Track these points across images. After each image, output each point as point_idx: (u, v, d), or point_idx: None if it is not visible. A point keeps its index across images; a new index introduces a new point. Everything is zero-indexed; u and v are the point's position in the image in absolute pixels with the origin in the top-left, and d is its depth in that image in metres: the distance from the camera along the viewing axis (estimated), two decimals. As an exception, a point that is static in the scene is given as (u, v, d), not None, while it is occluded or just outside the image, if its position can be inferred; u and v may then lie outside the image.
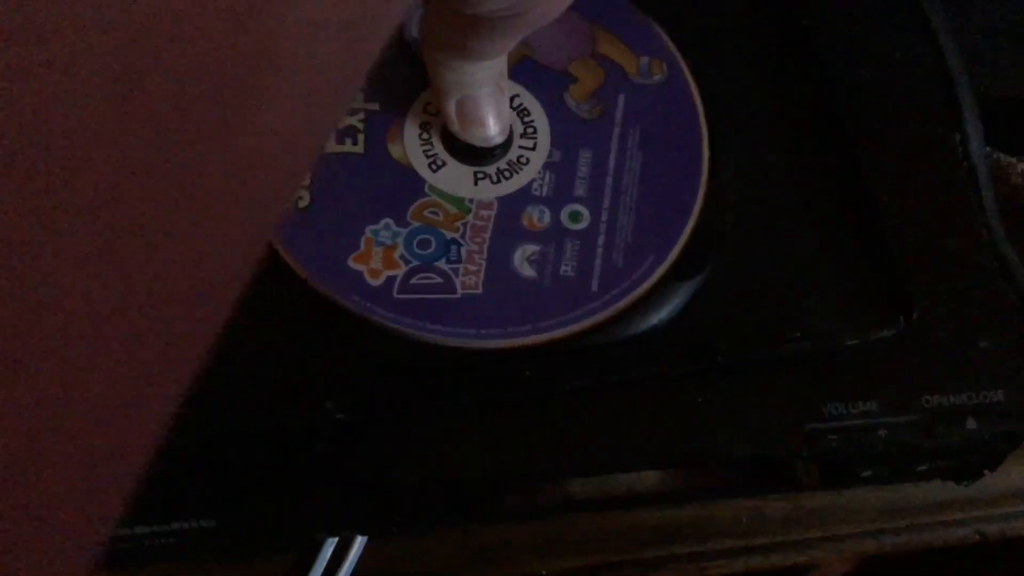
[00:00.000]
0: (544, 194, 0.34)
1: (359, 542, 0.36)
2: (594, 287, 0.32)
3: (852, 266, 0.34)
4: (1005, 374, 0.33)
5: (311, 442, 0.31)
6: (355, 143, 0.33)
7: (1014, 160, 0.42)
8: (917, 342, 0.33)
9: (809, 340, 0.33)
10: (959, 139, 0.39)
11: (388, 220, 0.33)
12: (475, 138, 0.33)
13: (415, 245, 0.33)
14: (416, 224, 0.33)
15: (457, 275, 0.32)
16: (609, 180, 0.34)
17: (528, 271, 0.33)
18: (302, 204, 0.33)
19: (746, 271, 0.34)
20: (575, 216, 0.33)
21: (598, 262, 0.33)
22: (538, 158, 0.34)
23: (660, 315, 0.33)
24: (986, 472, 0.36)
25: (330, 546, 0.35)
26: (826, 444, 0.32)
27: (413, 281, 0.32)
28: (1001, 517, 0.40)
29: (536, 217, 0.33)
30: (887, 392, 0.32)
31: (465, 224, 0.33)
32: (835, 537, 0.39)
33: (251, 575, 0.36)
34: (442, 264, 0.32)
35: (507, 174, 0.34)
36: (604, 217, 0.33)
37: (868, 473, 0.34)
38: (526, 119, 0.34)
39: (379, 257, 0.32)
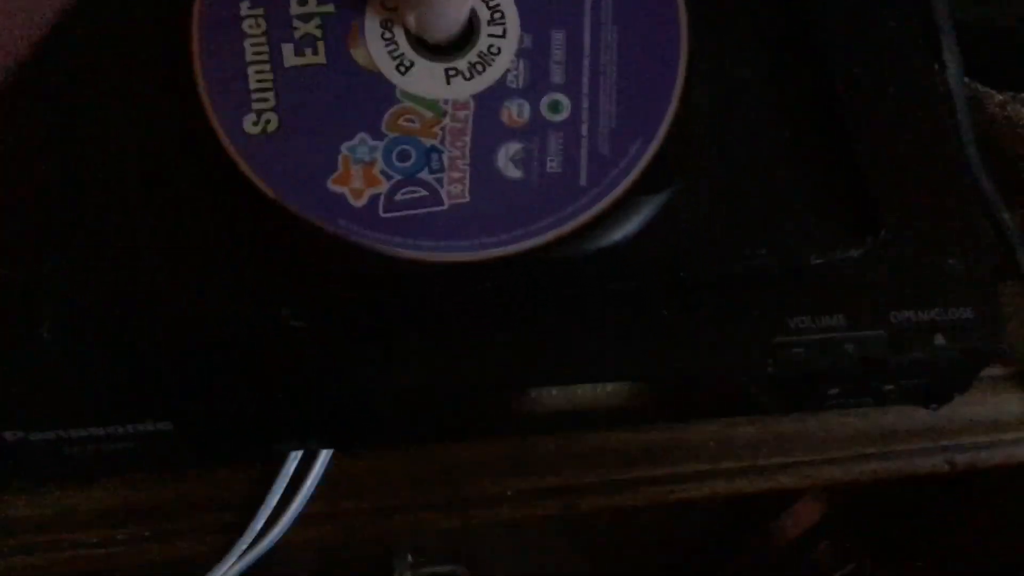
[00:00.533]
0: (520, 86, 0.33)
1: (323, 457, 0.35)
2: (583, 181, 0.32)
3: (822, 185, 0.34)
4: (973, 292, 0.33)
5: (272, 350, 0.30)
6: (315, 52, 0.33)
7: (992, 91, 0.42)
8: (886, 259, 0.33)
9: (775, 256, 0.32)
10: (937, 66, 0.38)
11: (363, 135, 0.32)
12: (433, 28, 0.32)
13: (394, 158, 0.32)
14: (392, 135, 0.32)
15: (442, 185, 0.32)
16: (586, 62, 0.33)
17: (514, 172, 0.32)
18: (271, 128, 0.32)
19: (714, 188, 0.33)
20: (555, 106, 0.33)
21: (584, 153, 0.32)
22: (509, 46, 0.33)
23: (626, 231, 0.32)
24: (955, 396, 0.36)
25: (294, 460, 0.35)
26: (792, 357, 0.31)
27: (398, 198, 0.32)
28: (971, 447, 0.40)
29: (515, 112, 0.33)
30: (854, 307, 0.32)
31: (443, 128, 0.32)
32: (801, 463, 0.39)
33: (214, 488, 0.35)
34: (425, 175, 0.32)
35: (479, 68, 0.33)
36: (585, 104, 0.33)
37: (835, 391, 0.34)
38: (491, 3, 0.34)
39: (359, 175, 0.32)
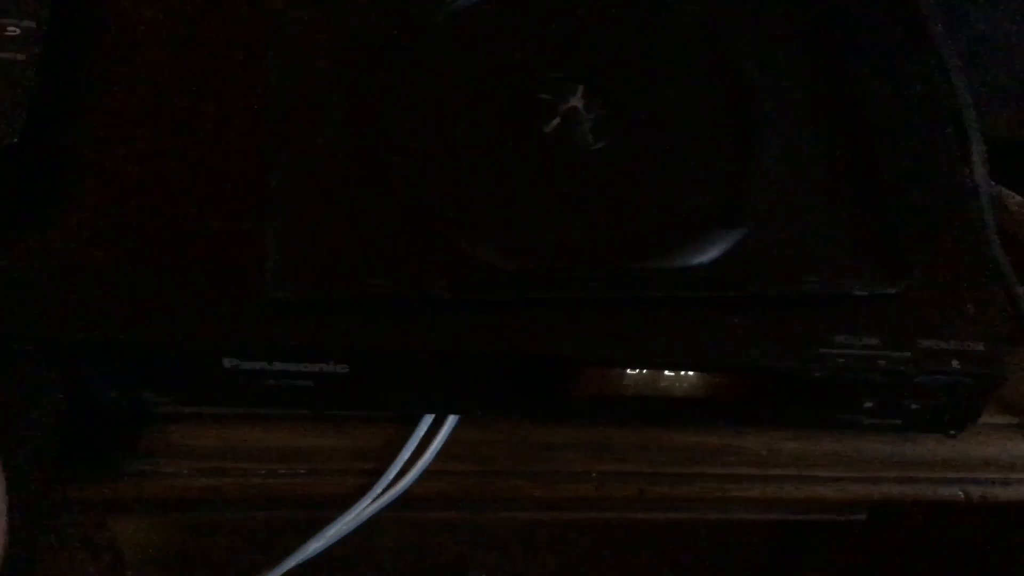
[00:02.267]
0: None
1: (448, 423, 0.44)
2: None
3: (870, 236, 0.42)
4: (985, 331, 0.41)
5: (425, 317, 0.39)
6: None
7: (1012, 193, 0.51)
8: (916, 298, 0.41)
9: (827, 285, 0.41)
10: (967, 168, 0.47)
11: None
12: None
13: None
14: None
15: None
16: None
17: None
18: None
19: (781, 229, 0.42)
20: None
21: None
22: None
23: (710, 255, 0.41)
24: (968, 423, 0.43)
25: (425, 424, 0.44)
26: (834, 363, 0.40)
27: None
28: (985, 481, 0.47)
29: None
30: (888, 332, 0.40)
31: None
32: (840, 478, 0.46)
33: (359, 440, 0.44)
34: None
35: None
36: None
37: (869, 404, 0.42)
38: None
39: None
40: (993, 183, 0.50)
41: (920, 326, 0.41)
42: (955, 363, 0.40)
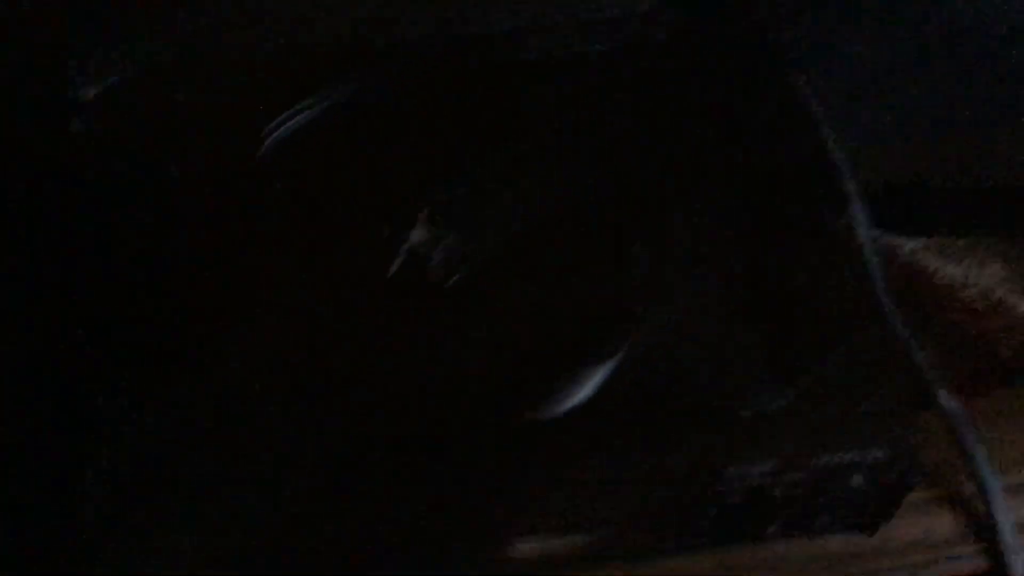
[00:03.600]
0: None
1: None
2: None
3: (748, 341, 0.39)
4: (885, 434, 0.38)
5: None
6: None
7: (901, 240, 0.48)
8: (808, 408, 0.38)
9: (712, 409, 0.38)
10: (846, 225, 0.44)
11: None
12: None
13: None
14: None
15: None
16: None
17: None
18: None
19: (655, 351, 0.39)
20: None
21: None
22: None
23: (583, 395, 0.38)
24: (882, 523, 0.41)
25: None
26: (730, 501, 0.36)
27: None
28: (909, 567, 0.44)
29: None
30: (782, 450, 0.37)
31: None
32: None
33: None
34: None
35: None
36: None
37: (773, 528, 0.39)
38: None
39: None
40: (881, 232, 0.47)
41: (813, 439, 0.38)
42: (856, 480, 0.37)
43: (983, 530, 0.43)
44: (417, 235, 0.40)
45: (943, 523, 0.44)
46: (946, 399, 0.43)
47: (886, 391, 0.39)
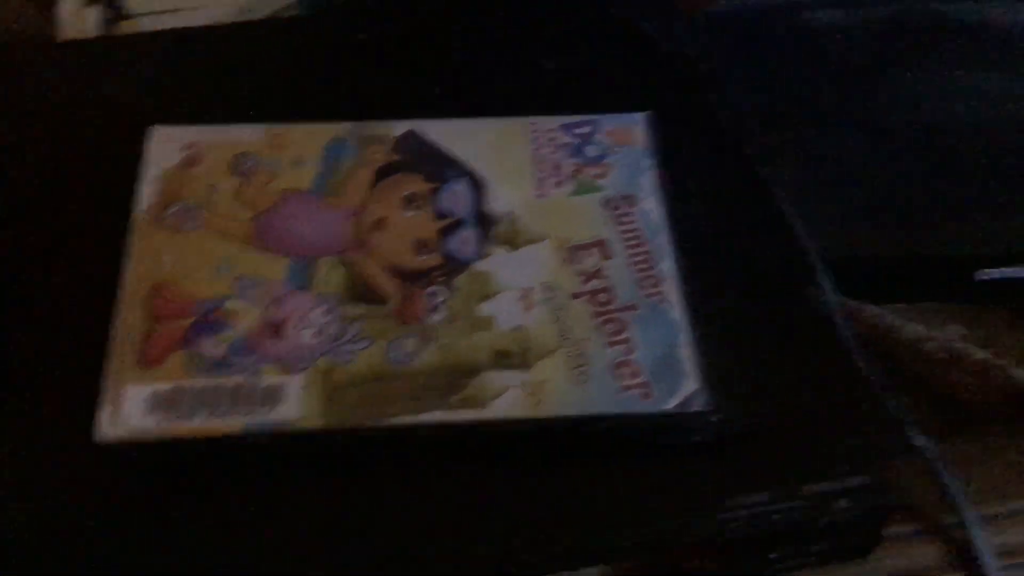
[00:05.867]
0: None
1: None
2: None
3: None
4: (865, 464, 0.43)
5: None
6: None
7: (861, 304, 0.53)
8: (796, 442, 0.43)
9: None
10: (814, 292, 0.50)
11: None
12: None
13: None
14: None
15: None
16: None
17: None
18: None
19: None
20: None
21: None
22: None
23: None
24: (872, 548, 0.45)
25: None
26: (735, 524, 0.41)
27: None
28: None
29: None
30: (775, 484, 0.42)
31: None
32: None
33: None
34: None
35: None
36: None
37: (775, 555, 0.43)
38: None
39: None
40: (847, 299, 0.53)
41: (803, 470, 0.42)
42: (842, 503, 0.42)
43: (965, 557, 0.48)
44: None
45: (926, 553, 0.49)
46: (919, 440, 0.48)
47: (863, 430, 0.44)
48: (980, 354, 0.51)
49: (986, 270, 0.55)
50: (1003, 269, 0.55)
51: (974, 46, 0.61)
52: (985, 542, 0.47)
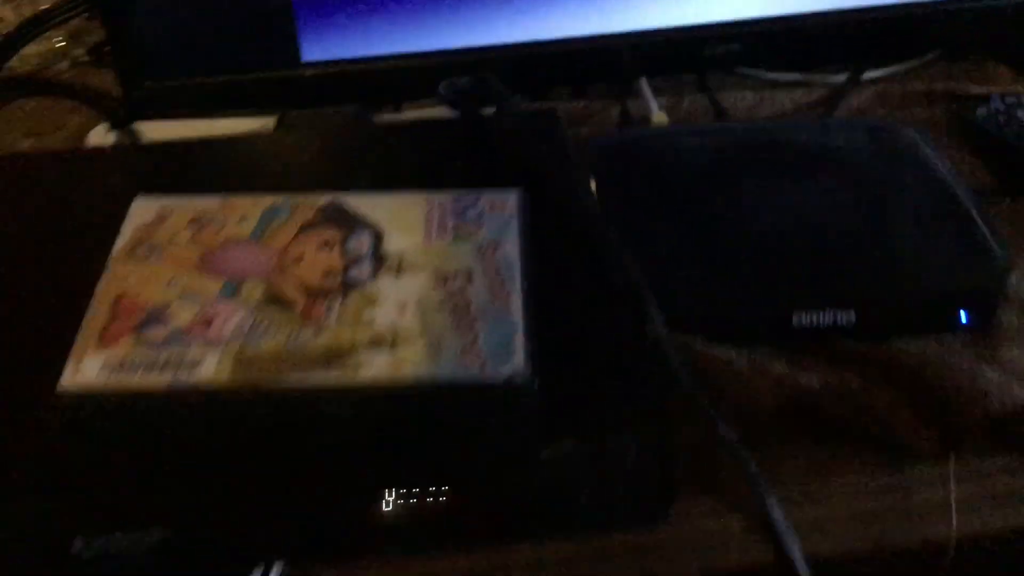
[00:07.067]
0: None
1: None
2: None
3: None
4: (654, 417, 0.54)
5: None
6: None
7: (695, 336, 0.66)
8: (600, 403, 0.55)
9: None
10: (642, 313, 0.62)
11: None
12: None
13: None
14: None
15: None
16: None
17: None
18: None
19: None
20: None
21: None
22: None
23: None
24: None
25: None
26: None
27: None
28: (700, 554, 0.57)
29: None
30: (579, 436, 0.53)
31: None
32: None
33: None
34: None
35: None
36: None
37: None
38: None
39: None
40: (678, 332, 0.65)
41: (602, 425, 0.54)
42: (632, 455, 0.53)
43: (763, 526, 0.58)
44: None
45: (730, 522, 0.59)
46: (724, 430, 0.59)
47: (648, 388, 0.56)
48: (780, 368, 0.63)
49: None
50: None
51: (793, 160, 0.78)
52: (779, 512, 0.58)
